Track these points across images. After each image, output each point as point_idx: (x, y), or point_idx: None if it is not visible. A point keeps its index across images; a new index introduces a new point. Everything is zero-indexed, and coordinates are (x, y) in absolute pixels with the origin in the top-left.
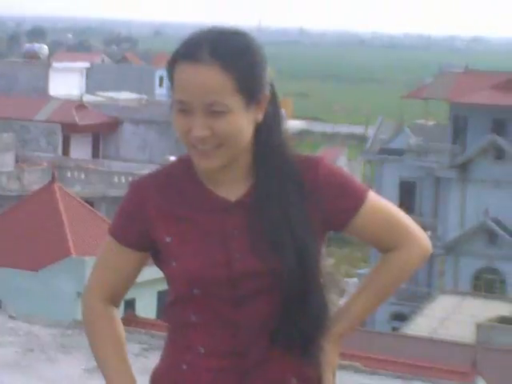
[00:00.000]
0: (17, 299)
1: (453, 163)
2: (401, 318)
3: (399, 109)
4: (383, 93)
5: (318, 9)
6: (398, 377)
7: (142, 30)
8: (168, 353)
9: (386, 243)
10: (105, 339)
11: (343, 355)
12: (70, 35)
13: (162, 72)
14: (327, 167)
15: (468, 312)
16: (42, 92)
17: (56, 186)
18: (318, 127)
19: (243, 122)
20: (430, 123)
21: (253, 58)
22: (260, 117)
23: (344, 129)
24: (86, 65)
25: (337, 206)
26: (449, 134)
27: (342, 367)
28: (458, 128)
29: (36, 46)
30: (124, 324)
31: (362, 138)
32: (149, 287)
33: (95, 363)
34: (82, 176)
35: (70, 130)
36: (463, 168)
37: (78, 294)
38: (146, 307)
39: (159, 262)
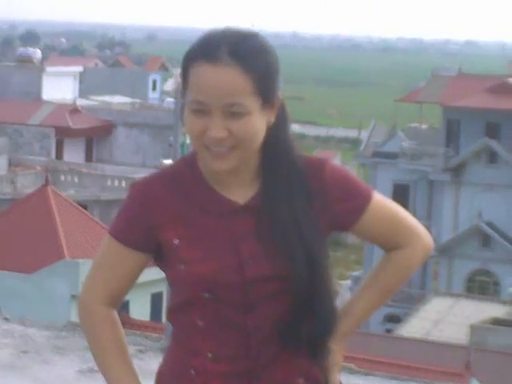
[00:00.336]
0: (11, 302)
1: (446, 166)
2: (395, 319)
3: (393, 112)
4: (377, 96)
5: (311, 13)
6: (393, 378)
7: (135, 34)
8: (173, 356)
9: (390, 242)
10: (108, 344)
11: None
12: (63, 39)
13: (155, 76)
14: (333, 168)
15: (462, 314)
16: (36, 96)
17: (49, 189)
18: (312, 131)
19: (259, 124)
20: (424, 127)
21: (269, 59)
22: (272, 119)
23: (338, 132)
24: (80, 69)
25: (344, 206)
26: (442, 137)
27: None
28: (452, 131)
29: (29, 50)
30: None
31: (355, 142)
32: (143, 289)
33: (89, 365)
34: (76, 179)
35: (63, 134)
36: (456, 171)
37: (72, 296)
38: (140, 309)
39: (162, 265)
